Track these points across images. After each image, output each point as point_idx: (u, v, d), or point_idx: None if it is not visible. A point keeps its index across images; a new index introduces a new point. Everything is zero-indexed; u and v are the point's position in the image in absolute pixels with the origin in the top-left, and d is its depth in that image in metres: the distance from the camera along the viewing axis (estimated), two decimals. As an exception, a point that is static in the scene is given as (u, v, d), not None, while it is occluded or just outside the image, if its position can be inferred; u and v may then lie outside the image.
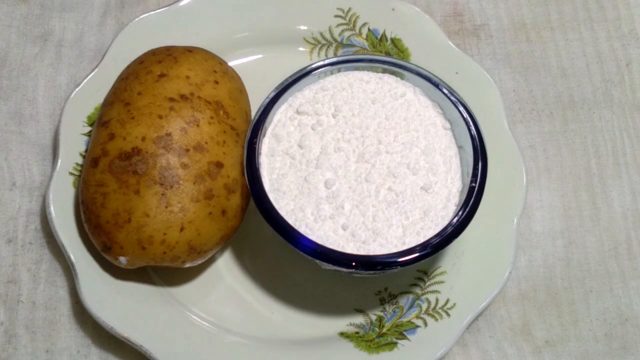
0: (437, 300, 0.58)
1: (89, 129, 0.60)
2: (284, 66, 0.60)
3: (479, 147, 0.55)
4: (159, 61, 0.57)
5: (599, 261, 0.63)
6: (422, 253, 0.52)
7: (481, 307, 0.57)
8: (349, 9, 0.66)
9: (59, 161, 0.58)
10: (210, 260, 0.60)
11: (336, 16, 0.67)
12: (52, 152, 0.63)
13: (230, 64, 0.63)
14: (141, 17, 0.64)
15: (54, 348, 0.57)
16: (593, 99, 0.68)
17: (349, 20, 0.67)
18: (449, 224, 0.53)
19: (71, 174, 0.59)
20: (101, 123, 0.56)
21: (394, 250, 0.53)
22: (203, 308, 0.58)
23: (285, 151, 0.56)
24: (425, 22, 0.65)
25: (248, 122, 0.59)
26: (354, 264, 0.52)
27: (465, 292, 0.58)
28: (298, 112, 0.57)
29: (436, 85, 0.58)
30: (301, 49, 0.67)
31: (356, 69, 0.59)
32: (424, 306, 0.58)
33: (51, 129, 0.64)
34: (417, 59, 0.65)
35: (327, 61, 0.59)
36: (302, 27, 0.67)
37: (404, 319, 0.58)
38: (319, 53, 0.67)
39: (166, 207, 0.53)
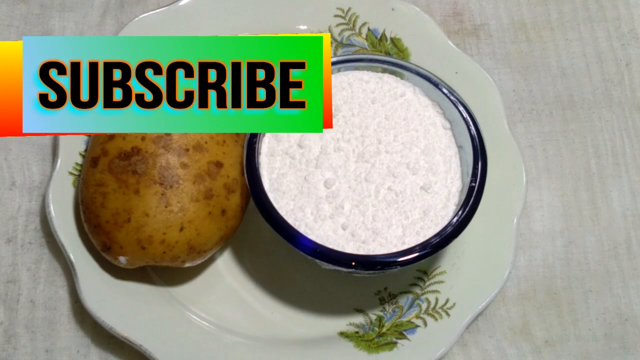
0: (436, 300, 0.58)
1: (88, 128, 0.60)
2: (284, 66, 0.60)
3: (478, 147, 0.55)
4: (158, 61, 0.57)
5: (599, 261, 0.63)
6: (421, 253, 0.52)
7: (481, 307, 0.57)
8: (349, 9, 0.66)
9: (59, 161, 0.58)
10: (210, 260, 0.60)
11: (336, 16, 0.66)
12: (52, 151, 0.63)
13: (230, 63, 0.63)
14: (141, 16, 0.64)
15: (53, 348, 0.57)
16: (593, 99, 0.68)
17: (349, 20, 0.66)
18: (449, 224, 0.53)
19: (71, 173, 0.59)
20: (101, 123, 0.56)
21: (394, 250, 0.53)
22: (203, 308, 0.58)
23: (285, 151, 0.56)
24: (425, 22, 0.65)
25: (248, 121, 0.59)
26: (353, 263, 0.52)
27: (465, 292, 0.58)
28: (298, 112, 0.57)
29: (436, 84, 0.58)
30: (301, 48, 0.67)
31: (356, 68, 0.59)
32: (424, 306, 0.58)
33: (51, 128, 0.64)
34: (417, 58, 0.65)
35: (326, 61, 0.59)
36: (302, 27, 0.67)
37: (404, 319, 0.58)
38: (318, 53, 0.67)
39: (166, 206, 0.53)
